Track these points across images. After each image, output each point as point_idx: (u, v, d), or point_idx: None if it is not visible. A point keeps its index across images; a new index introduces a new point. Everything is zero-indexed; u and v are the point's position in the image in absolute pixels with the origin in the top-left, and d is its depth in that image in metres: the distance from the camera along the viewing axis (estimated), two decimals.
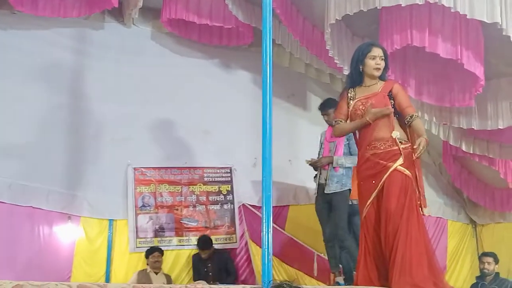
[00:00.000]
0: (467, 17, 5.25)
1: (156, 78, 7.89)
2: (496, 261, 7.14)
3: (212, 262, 7.24)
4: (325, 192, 6.17)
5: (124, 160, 7.61)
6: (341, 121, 4.66)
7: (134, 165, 7.64)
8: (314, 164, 6.32)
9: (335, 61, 6.54)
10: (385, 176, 4.32)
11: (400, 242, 4.20)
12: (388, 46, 5.89)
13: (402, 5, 5.40)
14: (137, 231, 7.47)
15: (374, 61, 4.48)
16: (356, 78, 4.57)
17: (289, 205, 8.19)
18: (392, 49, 5.88)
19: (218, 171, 7.99)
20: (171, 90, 7.94)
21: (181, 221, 7.66)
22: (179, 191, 7.75)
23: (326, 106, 6.34)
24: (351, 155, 6.11)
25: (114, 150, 7.50)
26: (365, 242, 4.47)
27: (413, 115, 4.45)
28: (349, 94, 4.61)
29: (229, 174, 8.00)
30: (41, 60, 7.46)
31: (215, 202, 7.85)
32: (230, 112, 8.10)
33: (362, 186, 4.55)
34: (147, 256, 7.16)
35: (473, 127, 6.90)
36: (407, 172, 4.35)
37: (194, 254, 7.44)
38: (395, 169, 4.32)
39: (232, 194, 7.93)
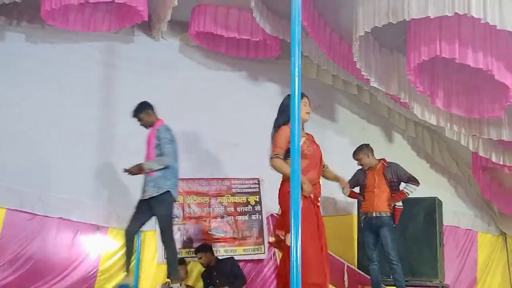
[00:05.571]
0: (497, 28, 5.21)
1: (184, 90, 7.96)
2: None
3: (217, 270, 7.15)
4: (143, 198, 5.89)
5: None
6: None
7: None
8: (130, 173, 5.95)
9: (362, 73, 6.54)
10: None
11: None
12: (416, 58, 5.88)
13: (431, 17, 5.38)
14: None
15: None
16: None
17: None
18: (420, 61, 5.86)
19: (246, 182, 7.99)
20: (199, 102, 8.00)
21: (209, 232, 7.65)
22: (207, 202, 7.76)
23: (137, 112, 6.17)
24: (162, 156, 5.82)
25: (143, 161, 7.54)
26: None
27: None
28: None
29: (257, 185, 8.01)
30: (72, 73, 7.58)
31: (243, 213, 7.83)
32: (257, 123, 8.08)
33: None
34: None
35: (503, 138, 6.83)
36: None
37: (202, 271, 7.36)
38: None
39: (260, 205, 7.92)
